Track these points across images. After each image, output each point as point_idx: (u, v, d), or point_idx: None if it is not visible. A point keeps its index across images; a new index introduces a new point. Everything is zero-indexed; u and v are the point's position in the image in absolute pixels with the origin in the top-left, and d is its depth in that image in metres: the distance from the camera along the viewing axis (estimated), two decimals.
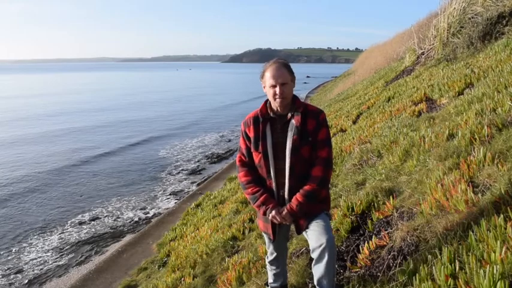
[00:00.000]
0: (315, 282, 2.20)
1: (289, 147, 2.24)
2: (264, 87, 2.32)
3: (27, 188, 14.43)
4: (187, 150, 20.76)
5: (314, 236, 2.17)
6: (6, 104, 40.30)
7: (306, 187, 2.22)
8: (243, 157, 2.44)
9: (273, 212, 2.26)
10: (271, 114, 2.32)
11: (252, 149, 2.36)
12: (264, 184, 2.36)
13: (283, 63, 2.29)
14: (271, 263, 2.65)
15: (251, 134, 2.35)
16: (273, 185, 2.32)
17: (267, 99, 2.34)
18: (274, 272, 2.68)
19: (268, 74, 2.26)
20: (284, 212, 2.25)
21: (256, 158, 2.35)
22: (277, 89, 2.22)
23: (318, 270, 2.15)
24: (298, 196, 2.23)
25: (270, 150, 2.29)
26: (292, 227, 2.42)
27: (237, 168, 2.49)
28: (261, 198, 2.31)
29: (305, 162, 2.26)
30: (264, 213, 2.32)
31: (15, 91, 58.30)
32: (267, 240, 2.59)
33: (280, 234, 2.49)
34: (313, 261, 2.17)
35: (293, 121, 2.26)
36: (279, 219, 2.27)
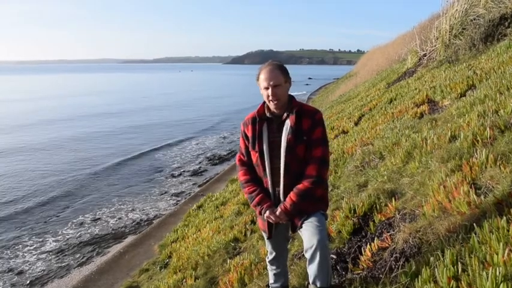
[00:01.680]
0: (310, 282, 2.23)
1: (284, 146, 2.29)
2: (260, 89, 2.37)
3: (28, 189, 14.47)
4: (187, 151, 20.79)
5: (306, 236, 2.20)
6: (8, 106, 40.27)
7: (300, 186, 2.26)
8: (242, 156, 2.51)
9: (267, 213, 2.32)
10: (268, 115, 2.37)
11: (250, 148, 2.42)
12: (262, 183, 2.41)
13: (277, 65, 2.34)
14: (271, 262, 2.67)
15: (249, 134, 2.42)
16: (269, 183, 2.37)
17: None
18: (274, 272, 2.68)
19: (262, 76, 2.32)
20: (278, 212, 2.29)
21: (254, 157, 2.42)
22: (270, 91, 2.27)
23: (311, 270, 2.19)
24: (291, 195, 2.27)
25: (265, 149, 2.34)
26: None
27: (237, 167, 2.56)
28: (257, 199, 2.37)
29: (300, 161, 2.30)
30: (260, 213, 2.37)
31: (18, 94, 57.99)
32: (266, 238, 2.61)
33: (279, 234, 2.52)
34: (307, 262, 2.21)
35: (288, 121, 2.31)
36: (273, 219, 2.31)
